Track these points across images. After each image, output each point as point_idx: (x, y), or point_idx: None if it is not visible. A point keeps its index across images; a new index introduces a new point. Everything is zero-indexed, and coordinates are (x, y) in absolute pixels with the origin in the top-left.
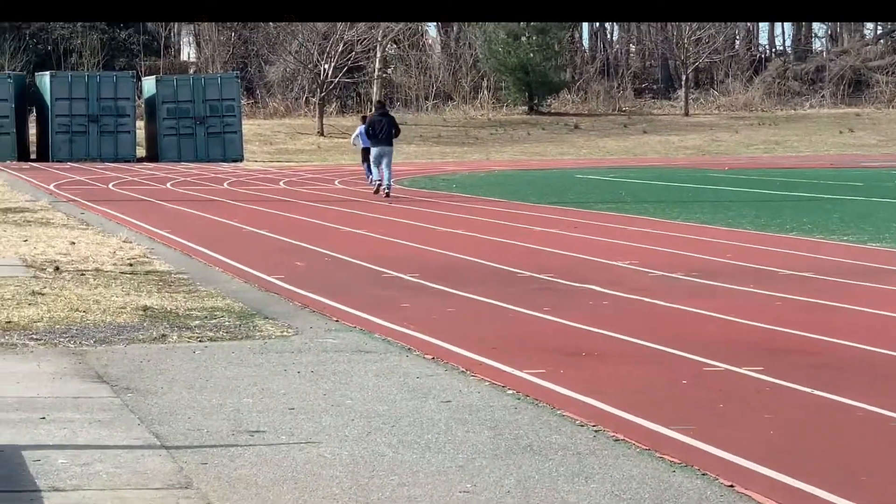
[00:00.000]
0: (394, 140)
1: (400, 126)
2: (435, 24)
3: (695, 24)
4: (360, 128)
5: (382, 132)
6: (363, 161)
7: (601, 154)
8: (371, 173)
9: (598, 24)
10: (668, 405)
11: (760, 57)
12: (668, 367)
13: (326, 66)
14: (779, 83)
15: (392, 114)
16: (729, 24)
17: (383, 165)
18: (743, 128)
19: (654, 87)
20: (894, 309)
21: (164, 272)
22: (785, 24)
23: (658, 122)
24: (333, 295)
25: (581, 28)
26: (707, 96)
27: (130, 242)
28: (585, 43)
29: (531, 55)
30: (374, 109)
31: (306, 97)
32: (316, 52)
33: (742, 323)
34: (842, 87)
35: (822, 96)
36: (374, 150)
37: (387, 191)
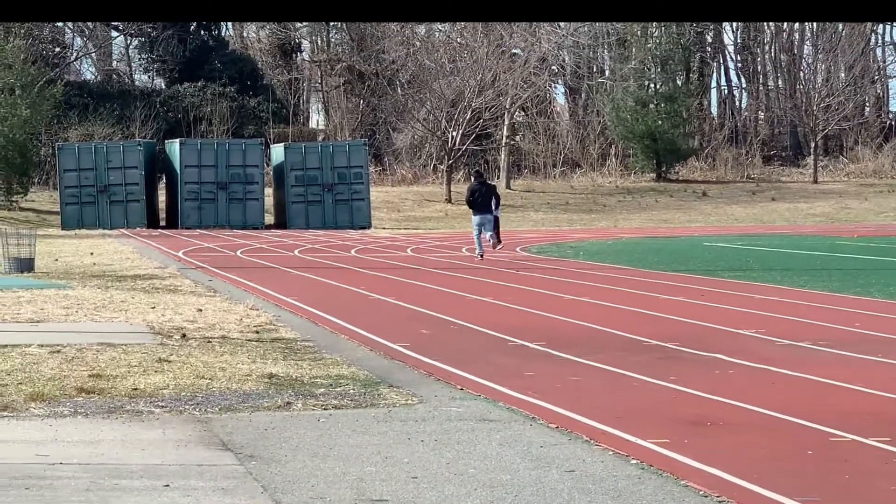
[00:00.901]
0: (493, 207)
1: (500, 195)
2: (563, 92)
3: (824, 92)
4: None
5: (482, 199)
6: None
7: (729, 221)
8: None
9: (726, 91)
10: (793, 476)
11: (891, 123)
12: (794, 437)
13: (454, 134)
14: None
15: (520, 181)
16: (859, 91)
17: (484, 231)
18: (872, 195)
19: (783, 154)
20: None
21: (290, 339)
22: None
23: (786, 189)
24: (458, 363)
25: (710, 95)
26: (836, 163)
27: (257, 310)
28: (714, 110)
29: (659, 122)
30: (472, 178)
31: (434, 164)
32: (444, 120)
33: (870, 393)
34: None
35: None
36: (475, 218)
37: (494, 242)
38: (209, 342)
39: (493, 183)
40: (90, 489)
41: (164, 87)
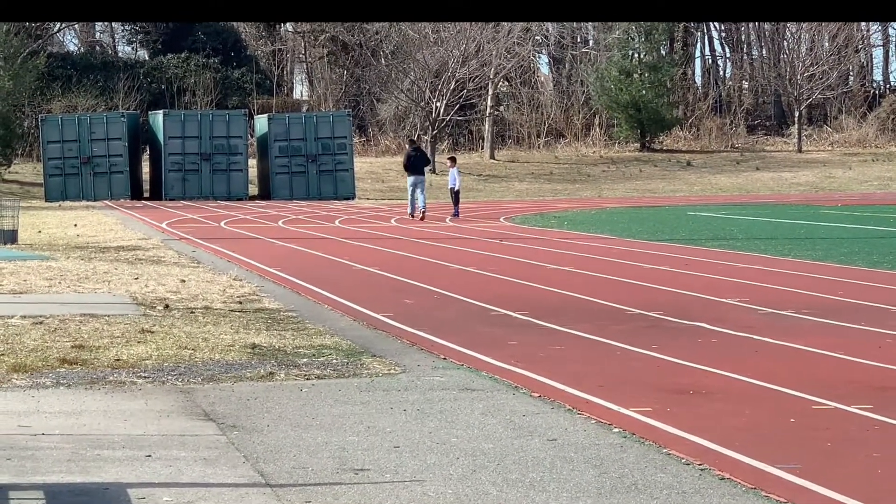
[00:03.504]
0: (426, 169)
1: (430, 160)
2: (547, 62)
3: (808, 61)
4: (452, 170)
5: (416, 163)
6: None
7: (713, 191)
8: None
9: (710, 60)
10: (774, 443)
11: (874, 93)
12: (776, 405)
13: (438, 104)
14: (893, 119)
15: (504, 151)
16: (843, 61)
17: (418, 192)
18: (856, 164)
19: (767, 123)
20: None
21: (273, 310)
22: None
23: (771, 158)
24: (441, 333)
25: (693, 65)
26: (820, 133)
27: (240, 280)
28: (698, 80)
29: (643, 92)
30: (408, 146)
31: (418, 135)
32: (428, 90)
33: (852, 361)
34: None
35: None
36: (409, 179)
37: (423, 213)
38: (192, 313)
39: (426, 150)
40: (72, 459)
41: (147, 58)
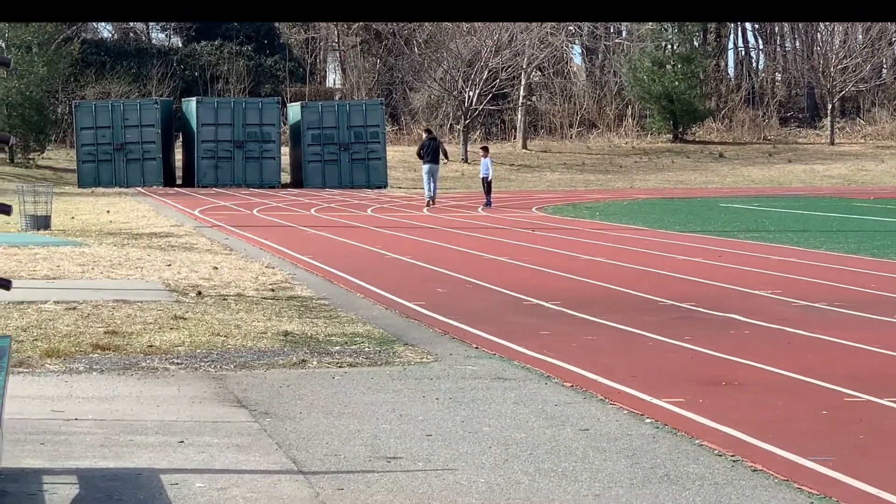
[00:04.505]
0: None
1: (446, 150)
2: (580, 52)
3: (841, 54)
4: (484, 160)
5: (430, 152)
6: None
7: (745, 183)
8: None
9: (743, 52)
10: (807, 436)
11: None
12: (809, 397)
13: (471, 94)
14: None
15: (536, 141)
16: (877, 53)
17: (431, 180)
18: (889, 157)
19: (800, 115)
20: None
21: (305, 298)
22: None
23: (803, 151)
24: (474, 322)
25: (726, 56)
26: (853, 125)
27: (273, 268)
28: (731, 71)
29: (676, 83)
30: (424, 135)
31: (450, 124)
32: (460, 80)
33: (885, 354)
34: None
35: None
36: (424, 167)
37: (432, 200)
38: (225, 300)
39: (440, 140)
40: (105, 445)
41: (180, 45)
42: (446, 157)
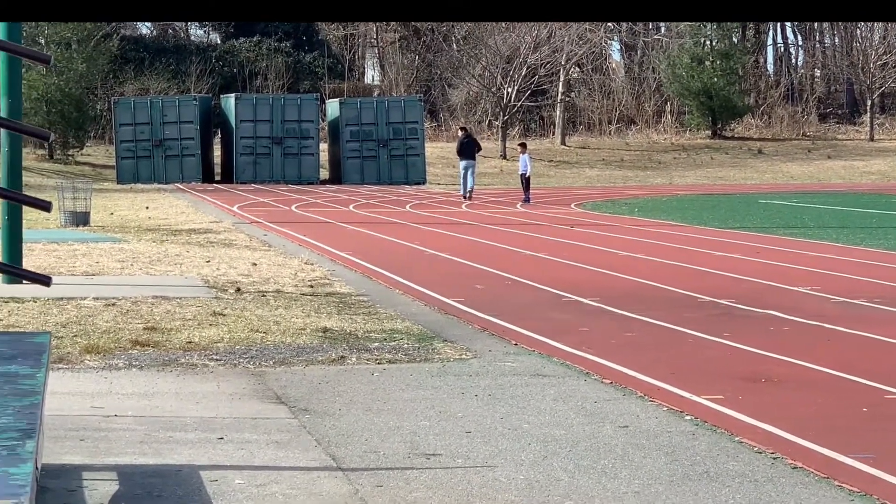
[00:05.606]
0: (476, 155)
1: (481, 146)
2: (619, 48)
3: (881, 50)
4: (523, 156)
5: (467, 149)
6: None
7: (784, 179)
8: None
9: (782, 48)
10: (847, 433)
11: None
12: (849, 394)
13: (510, 90)
14: None
15: (575, 137)
16: None
17: (469, 174)
18: None
19: (839, 111)
20: None
21: (344, 294)
22: None
23: (842, 147)
24: (513, 318)
25: (765, 52)
26: (893, 121)
27: (312, 264)
28: (770, 67)
29: (715, 79)
30: (460, 132)
31: (489, 120)
32: (499, 76)
33: None
34: None
35: None
36: (461, 163)
37: (470, 193)
38: (263, 296)
39: (476, 137)
40: (144, 441)
41: (219, 42)
42: (479, 149)
